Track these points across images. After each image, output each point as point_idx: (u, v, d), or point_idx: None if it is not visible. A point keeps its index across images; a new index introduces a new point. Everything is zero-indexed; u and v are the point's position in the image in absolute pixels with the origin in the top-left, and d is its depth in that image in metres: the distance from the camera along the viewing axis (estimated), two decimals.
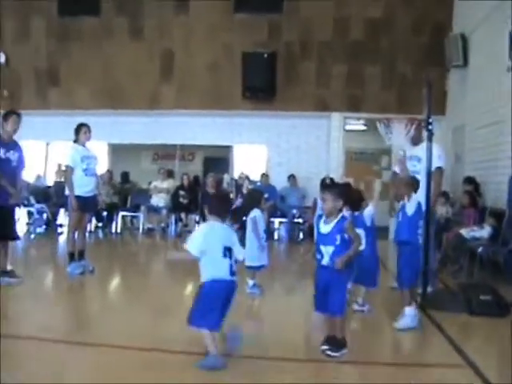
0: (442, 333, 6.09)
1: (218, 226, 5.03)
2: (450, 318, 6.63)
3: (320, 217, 5.46)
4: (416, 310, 6.49)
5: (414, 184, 6.77)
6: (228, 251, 4.89)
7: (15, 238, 8.42)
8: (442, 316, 6.65)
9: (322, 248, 5.23)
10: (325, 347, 5.17)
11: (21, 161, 8.18)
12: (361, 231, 6.77)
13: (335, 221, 5.22)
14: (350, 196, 7.00)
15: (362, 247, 6.79)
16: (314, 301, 5.36)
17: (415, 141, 7.94)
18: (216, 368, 4.68)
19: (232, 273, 4.91)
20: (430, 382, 4.71)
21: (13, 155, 8.01)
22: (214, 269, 4.87)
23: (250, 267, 7.91)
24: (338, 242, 5.15)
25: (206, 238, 4.89)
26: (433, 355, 5.64)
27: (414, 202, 6.57)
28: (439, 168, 7.63)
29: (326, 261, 5.19)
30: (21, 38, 16.52)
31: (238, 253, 5.07)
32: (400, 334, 6.27)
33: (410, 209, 6.53)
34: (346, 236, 5.17)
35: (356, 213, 6.93)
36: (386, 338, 6.33)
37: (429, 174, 7.27)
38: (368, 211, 6.93)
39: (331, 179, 9.77)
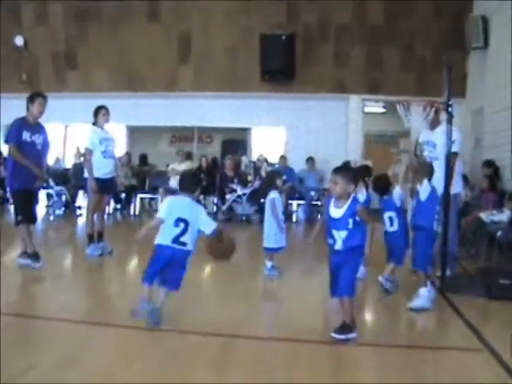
0: (460, 316, 6.07)
1: (179, 199, 5.62)
2: (469, 302, 6.60)
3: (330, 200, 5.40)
4: (432, 291, 6.52)
5: (424, 170, 6.80)
6: (182, 222, 5.39)
7: (36, 221, 8.48)
8: (461, 300, 6.63)
9: (335, 233, 5.17)
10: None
11: (46, 143, 8.13)
12: (392, 214, 6.89)
13: (347, 204, 5.14)
14: (377, 182, 7.19)
15: (394, 228, 6.90)
16: (330, 288, 5.32)
17: (433, 124, 7.85)
18: (146, 312, 5.27)
19: (178, 242, 5.38)
20: (448, 365, 4.70)
21: (38, 138, 7.94)
22: (162, 235, 5.47)
23: (268, 249, 7.94)
24: (350, 226, 5.11)
25: (168, 207, 5.52)
26: (450, 338, 5.64)
27: (427, 187, 6.60)
28: (454, 153, 7.54)
29: (339, 245, 5.15)
30: (39, 21, 16.57)
31: (203, 225, 5.50)
32: (418, 317, 6.29)
33: (423, 194, 6.60)
34: (357, 218, 5.13)
35: (385, 197, 7.16)
36: (403, 320, 6.33)
37: (448, 158, 7.23)
38: (396, 192, 7.06)
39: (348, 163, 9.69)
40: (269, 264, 7.86)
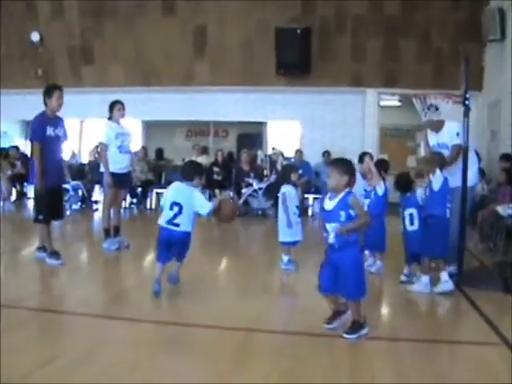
0: (478, 311, 6.05)
1: (175, 185, 6.42)
2: (486, 296, 6.57)
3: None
4: (449, 282, 6.68)
5: (436, 160, 6.92)
6: (176, 205, 6.17)
7: (63, 216, 8.47)
8: (478, 294, 6.60)
9: (327, 225, 5.10)
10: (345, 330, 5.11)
11: (65, 136, 7.98)
12: (413, 211, 6.90)
13: (340, 197, 5.04)
14: (399, 180, 7.26)
15: (414, 227, 6.90)
16: (319, 281, 5.25)
17: (437, 127, 7.73)
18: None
19: (172, 223, 6.19)
20: (465, 359, 4.68)
21: (60, 131, 7.81)
22: (161, 218, 6.29)
23: (284, 243, 7.92)
24: (342, 219, 5.00)
25: (165, 194, 6.45)
26: (468, 333, 5.62)
27: (440, 177, 6.74)
28: (459, 145, 7.46)
29: (331, 238, 5.05)
30: (54, 16, 16.62)
31: (199, 207, 6.24)
32: (435, 311, 6.33)
33: (436, 184, 6.73)
34: (352, 212, 5.00)
35: (408, 194, 7.15)
36: (420, 314, 6.31)
37: (465, 150, 7.20)
38: (420, 191, 7.10)
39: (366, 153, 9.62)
40: (285, 258, 7.85)
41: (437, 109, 7.55)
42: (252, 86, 16.01)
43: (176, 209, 6.16)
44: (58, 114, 7.92)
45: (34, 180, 7.83)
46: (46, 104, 7.77)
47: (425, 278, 6.69)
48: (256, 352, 4.68)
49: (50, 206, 7.80)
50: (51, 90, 7.76)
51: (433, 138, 7.79)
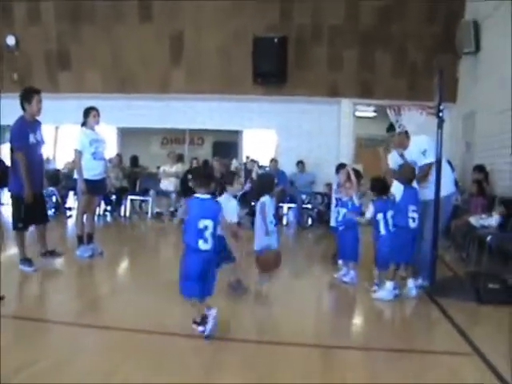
0: (449, 320, 6.10)
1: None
2: (458, 306, 6.62)
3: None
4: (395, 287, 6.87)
5: (404, 172, 7.15)
6: None
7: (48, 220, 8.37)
8: (450, 303, 6.65)
9: None
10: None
11: (42, 138, 7.79)
12: (391, 213, 7.06)
13: None
14: (374, 183, 7.38)
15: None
16: None
17: (403, 145, 7.70)
18: None
19: None
20: (437, 369, 4.70)
21: (39, 136, 7.65)
22: None
23: (260, 251, 7.88)
24: None
25: None
26: (440, 342, 5.65)
27: (398, 187, 6.98)
28: (428, 165, 7.47)
29: None
30: (31, 20, 16.50)
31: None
32: (407, 321, 6.36)
33: (397, 195, 6.99)
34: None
35: (384, 197, 7.24)
36: (392, 324, 6.35)
37: (439, 162, 7.24)
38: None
39: (343, 164, 9.70)
40: None
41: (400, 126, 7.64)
42: (228, 94, 16.01)
43: None
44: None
45: (12, 187, 7.69)
46: (24, 109, 7.57)
47: (389, 284, 6.85)
48: (230, 359, 4.70)
49: (35, 213, 7.68)
50: (30, 94, 7.57)
51: (399, 159, 7.72)
